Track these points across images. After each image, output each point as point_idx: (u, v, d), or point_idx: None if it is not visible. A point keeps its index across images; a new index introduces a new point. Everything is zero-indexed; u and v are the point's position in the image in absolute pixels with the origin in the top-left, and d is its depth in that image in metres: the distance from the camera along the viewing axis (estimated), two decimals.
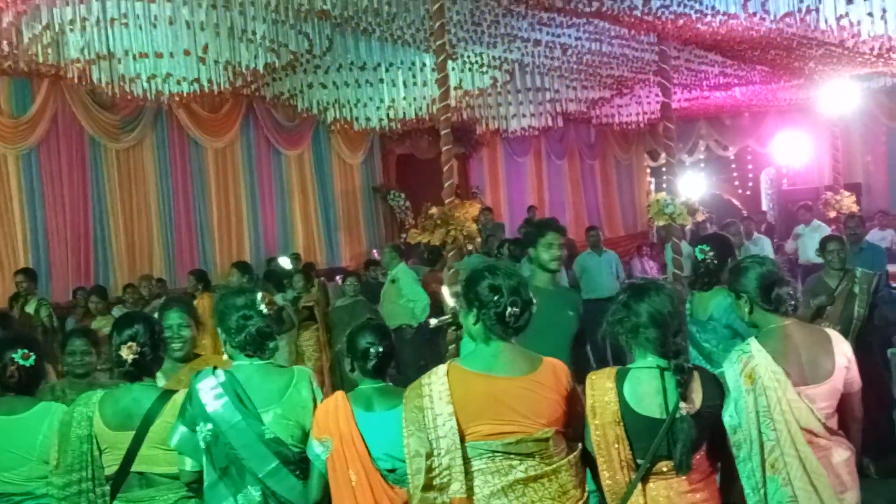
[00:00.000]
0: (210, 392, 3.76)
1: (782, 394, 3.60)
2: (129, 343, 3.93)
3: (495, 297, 3.42)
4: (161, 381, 4.37)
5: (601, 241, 12.00)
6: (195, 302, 9.40)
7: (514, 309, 3.41)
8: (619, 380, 3.46)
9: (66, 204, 12.65)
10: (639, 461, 3.40)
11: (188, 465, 3.82)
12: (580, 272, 11.49)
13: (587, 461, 3.55)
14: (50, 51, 9.61)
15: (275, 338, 3.96)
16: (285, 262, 13.46)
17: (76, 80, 10.28)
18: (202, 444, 3.72)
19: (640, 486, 3.39)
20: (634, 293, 3.54)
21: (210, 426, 3.71)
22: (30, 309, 9.04)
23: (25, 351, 4.15)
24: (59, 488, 3.95)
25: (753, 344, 3.69)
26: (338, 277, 13.51)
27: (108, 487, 3.97)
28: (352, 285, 10.00)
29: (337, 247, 16.73)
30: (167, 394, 4.00)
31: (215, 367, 3.88)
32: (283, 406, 3.79)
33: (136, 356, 3.93)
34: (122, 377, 4.01)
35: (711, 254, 5.36)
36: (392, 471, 3.62)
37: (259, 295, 3.95)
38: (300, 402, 3.81)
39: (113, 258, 13.18)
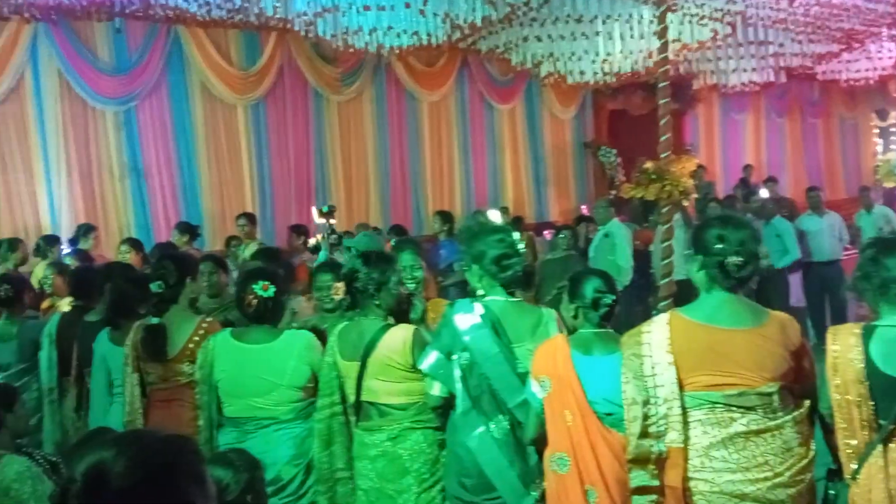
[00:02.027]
0: (469, 323, 3.89)
1: None
2: (336, 284, 4.18)
3: (719, 246, 3.33)
4: None
5: (822, 203, 11.45)
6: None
7: (738, 259, 3.31)
8: (866, 337, 3.25)
9: (291, 153, 13.24)
10: (881, 421, 3.24)
11: (436, 389, 3.98)
12: (800, 234, 11.03)
13: (815, 420, 3.43)
14: (278, 4, 10.04)
15: (535, 276, 4.07)
16: (494, 216, 13.57)
17: (303, 34, 10.70)
18: (458, 373, 3.87)
19: (880, 446, 3.22)
20: (884, 247, 3.32)
21: (467, 355, 3.85)
22: (248, 252, 9.47)
23: (266, 283, 4.34)
24: (318, 409, 4.24)
25: None
26: (545, 232, 13.52)
27: (352, 416, 4.20)
28: (565, 239, 9.94)
29: (545, 202, 16.73)
30: (386, 327, 4.13)
31: (472, 300, 3.99)
32: (534, 343, 3.89)
33: (343, 296, 4.13)
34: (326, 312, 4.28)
35: None
36: (609, 414, 3.63)
37: (517, 235, 4.05)
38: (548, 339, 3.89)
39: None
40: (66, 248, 9.42)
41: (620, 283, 9.56)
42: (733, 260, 3.31)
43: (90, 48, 11.39)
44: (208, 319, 4.86)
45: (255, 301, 4.32)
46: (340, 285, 4.12)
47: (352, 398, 4.16)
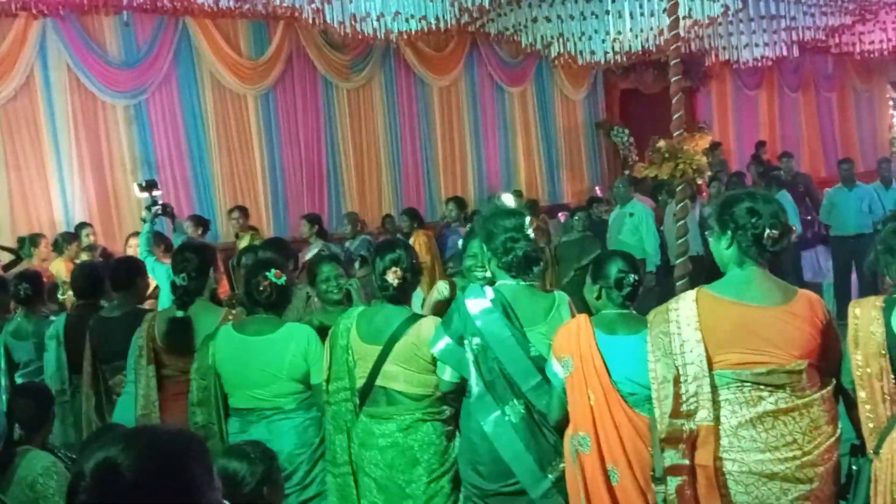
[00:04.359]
0: (479, 307, 3.88)
1: None
2: (393, 268, 4.09)
3: (753, 220, 3.30)
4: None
5: (853, 175, 11.03)
6: (411, 240, 9.73)
7: (773, 231, 3.28)
8: (888, 310, 3.23)
9: (301, 142, 13.19)
10: None
11: (447, 374, 3.98)
12: (829, 207, 10.87)
13: (840, 397, 3.39)
14: None
15: (540, 262, 4.05)
16: (508, 199, 13.52)
17: (311, 21, 10.66)
18: (471, 357, 3.86)
19: None
20: None
21: (478, 340, 3.85)
22: (243, 243, 9.49)
23: (277, 270, 4.36)
24: (330, 394, 4.21)
25: None
26: (560, 214, 13.47)
27: (357, 400, 4.15)
28: (581, 220, 9.93)
29: (559, 183, 16.64)
30: (415, 317, 4.15)
31: (483, 286, 3.99)
32: (546, 326, 3.88)
33: (400, 280, 4.09)
34: (387, 301, 4.18)
35: None
36: (632, 394, 3.60)
37: (528, 219, 4.05)
38: (562, 323, 3.86)
39: (344, 193, 13.67)
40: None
41: (650, 265, 9.51)
42: (770, 233, 3.28)
43: (99, 42, 11.36)
44: (234, 311, 4.82)
45: (269, 288, 4.33)
46: (398, 270, 4.08)
47: (361, 381, 4.14)
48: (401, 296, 4.15)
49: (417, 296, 5.21)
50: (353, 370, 4.16)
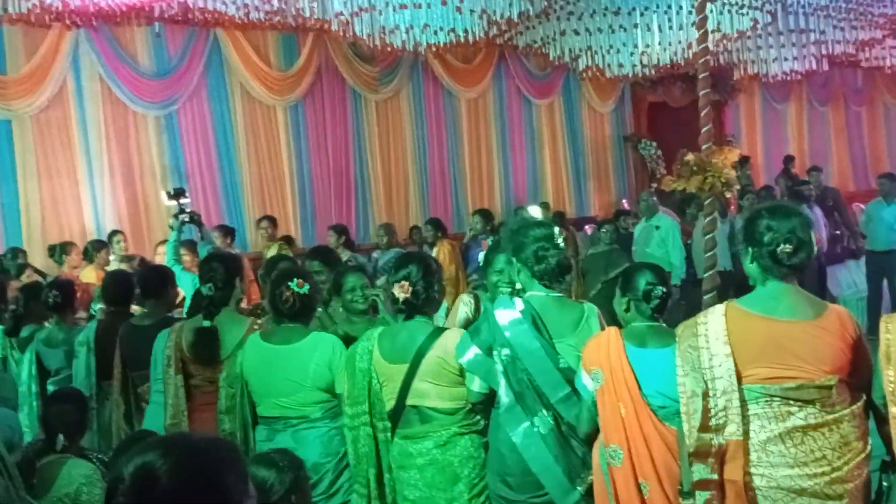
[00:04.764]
0: (509, 318, 3.88)
1: None
2: (402, 282, 4.07)
3: (768, 235, 3.31)
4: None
5: (894, 190, 10.79)
6: (435, 250, 9.78)
7: (787, 246, 3.28)
8: None
9: (330, 153, 13.25)
10: None
11: (476, 385, 3.96)
12: (867, 220, 10.76)
13: (871, 413, 3.37)
14: (315, 5, 10.09)
15: (571, 270, 4.05)
16: (535, 212, 13.51)
17: (340, 34, 10.73)
18: (500, 368, 3.85)
19: None
20: None
21: (507, 351, 3.84)
22: (271, 252, 9.55)
23: (300, 280, 4.40)
24: (349, 417, 4.19)
25: None
26: (587, 227, 13.45)
27: (388, 423, 4.12)
28: (608, 233, 9.93)
29: (586, 196, 16.62)
30: (439, 330, 4.12)
31: (513, 295, 3.99)
32: (575, 338, 3.88)
33: (408, 295, 4.06)
34: (396, 314, 4.18)
35: None
36: (662, 408, 3.60)
37: (557, 229, 4.05)
38: (590, 335, 3.86)
39: (372, 204, 13.72)
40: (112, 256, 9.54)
41: (676, 278, 9.49)
42: (784, 248, 3.28)
43: (130, 53, 11.48)
44: (259, 321, 4.85)
45: (292, 297, 4.35)
46: (406, 284, 4.05)
47: (391, 403, 4.09)
48: (409, 310, 4.10)
49: (441, 307, 5.21)
50: (378, 393, 4.11)
